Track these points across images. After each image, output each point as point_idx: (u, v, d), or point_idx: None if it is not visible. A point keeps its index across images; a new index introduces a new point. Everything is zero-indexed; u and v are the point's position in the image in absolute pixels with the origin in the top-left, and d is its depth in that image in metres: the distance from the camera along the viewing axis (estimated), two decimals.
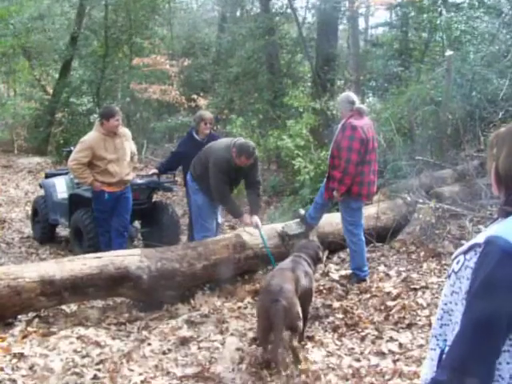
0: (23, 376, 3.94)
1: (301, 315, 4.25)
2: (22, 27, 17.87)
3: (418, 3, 12.41)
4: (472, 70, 10.00)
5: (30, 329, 4.76)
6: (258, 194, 6.48)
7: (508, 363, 1.66)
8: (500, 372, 1.66)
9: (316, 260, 4.93)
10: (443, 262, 6.01)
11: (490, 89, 9.95)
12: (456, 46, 11.72)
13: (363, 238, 5.94)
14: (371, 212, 6.93)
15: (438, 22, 11.68)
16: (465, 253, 1.75)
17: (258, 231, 6.12)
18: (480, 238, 1.71)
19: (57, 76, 20.07)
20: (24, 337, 4.58)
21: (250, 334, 4.76)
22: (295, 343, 4.28)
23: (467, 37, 12.17)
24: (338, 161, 5.71)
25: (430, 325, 4.55)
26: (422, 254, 6.37)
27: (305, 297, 4.51)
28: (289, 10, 14.89)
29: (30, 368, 4.07)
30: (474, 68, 10.13)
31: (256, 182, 6.38)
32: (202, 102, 13.98)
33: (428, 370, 1.83)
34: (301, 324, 4.28)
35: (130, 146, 6.88)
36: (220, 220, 6.97)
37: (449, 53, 9.26)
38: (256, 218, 6.15)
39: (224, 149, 6.05)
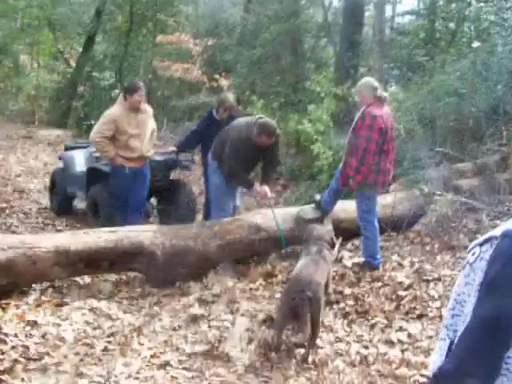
0: (36, 343, 4.00)
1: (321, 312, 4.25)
2: None
3: None
4: (499, 63, 9.85)
5: (43, 298, 4.83)
6: (274, 170, 6.47)
7: None
8: (508, 366, 1.66)
9: (332, 246, 4.98)
10: (457, 255, 5.98)
11: None
12: (484, 37, 11.54)
13: (377, 226, 5.91)
14: (388, 201, 6.90)
15: (467, 12, 11.50)
16: (481, 245, 1.74)
17: (272, 213, 6.12)
18: (497, 231, 1.70)
19: (80, 49, 20.14)
20: (38, 305, 4.65)
21: (261, 316, 4.79)
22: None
23: (496, 28, 11.97)
24: (356, 148, 5.66)
25: (440, 316, 4.54)
26: (437, 245, 6.34)
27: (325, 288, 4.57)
28: None
29: (43, 336, 4.13)
30: (501, 61, 9.97)
31: (274, 162, 6.36)
32: (223, 82, 13.95)
33: (437, 359, 1.84)
34: (319, 323, 4.23)
35: (151, 123, 6.89)
36: (238, 202, 6.97)
37: (476, 44, 9.14)
38: (266, 187, 6.16)
39: (244, 126, 6.03)
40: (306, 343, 4.16)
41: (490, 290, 1.64)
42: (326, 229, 5.08)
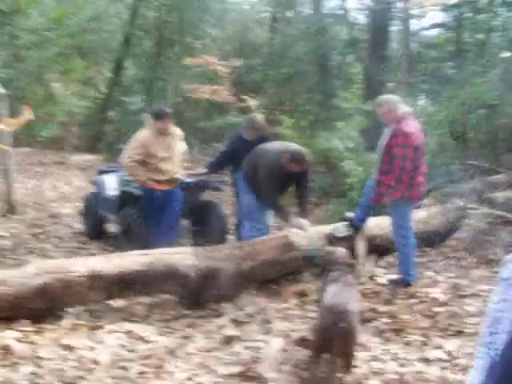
0: (71, 367, 4.02)
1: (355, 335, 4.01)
2: (78, 28, 18.31)
3: (474, 3, 12.14)
4: None
5: (78, 322, 4.86)
6: (307, 199, 6.46)
7: None
8: None
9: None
10: (494, 270, 5.87)
11: None
12: None
13: (413, 241, 5.84)
14: (421, 216, 6.82)
15: (495, 22, 11.39)
16: None
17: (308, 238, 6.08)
18: None
19: (109, 75, 20.49)
20: (73, 329, 4.68)
21: (295, 336, 4.75)
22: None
23: None
24: (389, 166, 5.61)
25: (478, 333, 4.44)
26: (473, 260, 6.24)
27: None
28: (340, 11, 14.80)
29: (78, 360, 4.15)
30: None
31: (306, 188, 6.35)
32: (251, 102, 14.02)
33: (475, 378, 1.80)
34: (353, 354, 4.05)
35: (181, 145, 6.95)
36: (271, 222, 6.95)
37: (505, 54, 9.03)
38: (303, 220, 6.13)
39: (276, 154, 6.04)
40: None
41: None
42: (341, 251, 4.85)
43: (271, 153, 6.12)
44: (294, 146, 6.13)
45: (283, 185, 6.15)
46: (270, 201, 6.10)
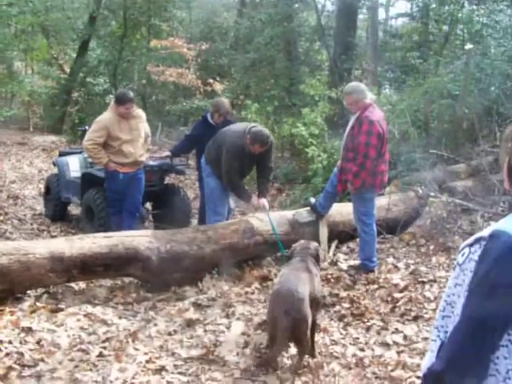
0: (30, 350, 3.99)
1: (309, 329, 4.01)
2: (42, 5, 17.88)
3: None
4: (492, 65, 9.89)
5: (38, 304, 4.81)
6: (268, 179, 6.53)
7: (505, 358, 1.66)
8: (497, 366, 1.66)
9: (318, 261, 4.63)
10: (452, 257, 5.99)
11: (510, 84, 9.84)
12: (477, 39, 11.59)
13: (375, 229, 5.92)
14: (382, 203, 6.90)
15: (460, 14, 11.55)
16: (470, 245, 1.74)
17: (268, 217, 6.14)
18: (486, 232, 1.70)
19: (74, 55, 20.14)
20: (32, 312, 4.63)
21: (256, 319, 4.79)
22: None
23: (489, 30, 12.03)
24: (353, 154, 5.65)
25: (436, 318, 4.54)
26: (432, 247, 6.36)
27: (316, 302, 4.27)
28: None
29: (38, 342, 4.11)
30: (493, 63, 10.01)
31: (268, 168, 6.40)
32: (218, 86, 13.98)
33: (428, 360, 1.84)
34: (307, 340, 4.04)
35: (144, 128, 6.90)
36: (232, 205, 6.99)
37: (469, 46, 9.17)
38: (264, 201, 6.24)
39: (238, 135, 6.05)
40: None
41: (478, 290, 1.64)
42: (312, 243, 4.72)
43: (234, 134, 6.13)
44: (256, 127, 6.13)
45: (245, 166, 6.18)
46: (231, 181, 6.12)
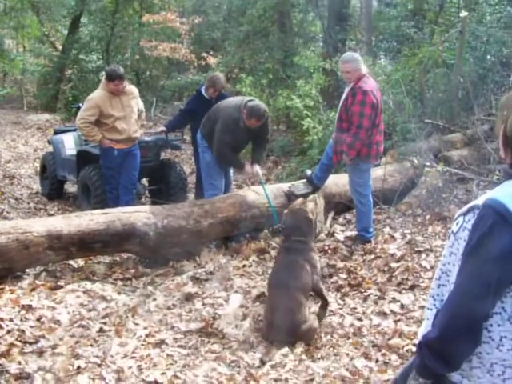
0: (31, 327, 4.02)
1: (309, 328, 4.08)
2: None
3: None
4: (487, 32, 9.83)
5: (37, 282, 4.84)
6: (264, 148, 6.57)
7: (499, 325, 1.69)
8: (491, 333, 1.69)
9: (310, 233, 4.50)
10: (448, 226, 6.01)
11: (506, 52, 9.78)
12: (472, 6, 11.48)
13: (371, 200, 5.94)
14: (378, 174, 6.92)
15: None
16: (464, 214, 1.76)
17: (263, 190, 6.15)
18: (479, 201, 1.72)
19: (66, 32, 19.92)
20: (32, 290, 4.66)
21: (254, 292, 4.83)
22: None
23: None
24: (347, 124, 5.64)
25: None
26: (428, 217, 6.38)
27: (316, 286, 4.34)
28: None
29: (38, 319, 4.15)
30: (489, 30, 9.95)
31: (264, 140, 6.41)
32: (212, 60, 13.87)
33: (424, 329, 1.87)
34: (310, 335, 4.10)
35: (137, 104, 6.87)
36: (232, 174, 6.98)
37: (464, 14, 9.09)
38: (257, 167, 6.23)
39: (234, 108, 6.02)
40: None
41: (471, 257, 1.66)
42: (302, 213, 4.53)
43: (229, 107, 6.10)
44: (252, 102, 6.08)
45: (240, 140, 6.14)
46: (220, 151, 6.09)
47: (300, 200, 4.94)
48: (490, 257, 1.62)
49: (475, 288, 1.63)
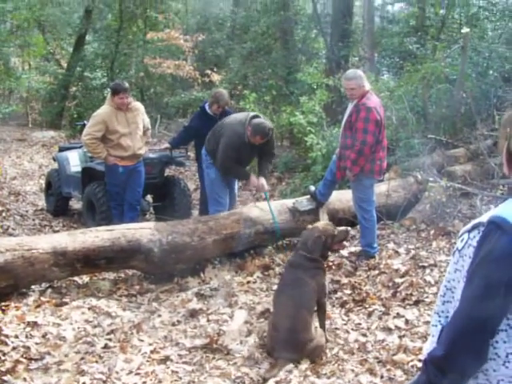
0: (36, 344, 4.03)
1: (316, 345, 4.07)
2: (37, 0, 17.84)
3: None
4: (489, 48, 9.89)
5: (43, 299, 4.85)
6: (270, 162, 6.65)
7: (505, 342, 1.69)
8: (497, 350, 1.69)
9: (313, 251, 4.38)
10: (453, 241, 6.02)
11: (508, 67, 9.83)
12: (473, 22, 11.56)
13: (375, 215, 5.95)
14: (382, 189, 6.93)
15: None
16: (469, 231, 1.77)
17: (268, 205, 6.17)
18: (484, 217, 1.73)
19: (71, 50, 20.10)
20: (37, 306, 4.67)
21: (259, 308, 4.83)
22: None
23: (485, 13, 12.00)
24: (351, 141, 5.67)
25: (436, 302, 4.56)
26: (432, 232, 6.39)
27: (321, 305, 4.33)
28: None
29: (43, 336, 4.16)
30: (491, 46, 10.01)
31: (270, 155, 6.45)
32: (215, 77, 13.97)
33: (429, 345, 1.87)
34: (316, 353, 4.09)
35: (142, 120, 6.92)
36: (236, 191, 7.01)
37: (465, 30, 9.15)
38: (262, 180, 6.24)
39: (238, 124, 6.04)
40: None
41: (476, 274, 1.67)
42: (316, 231, 4.46)
43: (234, 122, 6.12)
44: (257, 119, 6.09)
45: (244, 155, 6.16)
46: (224, 169, 6.13)
47: (324, 222, 4.95)
48: (496, 272, 1.62)
49: (481, 303, 1.64)
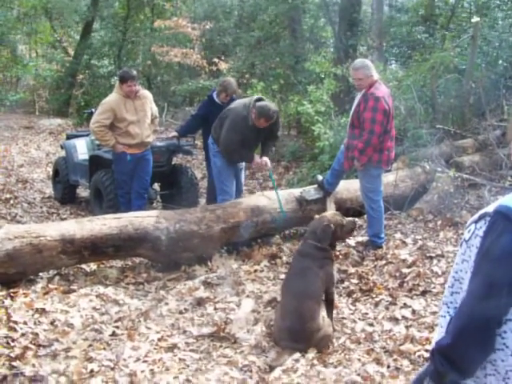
0: (45, 330, 4.06)
1: (324, 335, 4.07)
2: None
3: None
4: (499, 37, 9.81)
5: (51, 286, 4.88)
6: (274, 143, 6.71)
7: None
8: (505, 341, 1.69)
9: (323, 240, 4.37)
10: (460, 232, 6.01)
11: None
12: (484, 11, 11.46)
13: (382, 205, 5.94)
14: (390, 179, 6.92)
15: None
16: (475, 222, 1.77)
17: (275, 192, 6.19)
18: (490, 208, 1.72)
19: (78, 38, 20.08)
20: (45, 293, 4.70)
21: (266, 297, 4.84)
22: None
23: (496, 2, 11.89)
24: (359, 131, 5.66)
25: (443, 292, 4.56)
26: (439, 222, 6.37)
27: (329, 295, 4.34)
28: None
29: (52, 323, 4.18)
30: (501, 35, 9.93)
31: (275, 137, 6.48)
32: (223, 65, 13.91)
33: (438, 336, 1.87)
34: (324, 342, 4.08)
35: (151, 108, 6.91)
36: (243, 180, 7.01)
37: (475, 19, 9.07)
38: (266, 159, 6.24)
39: (242, 108, 6.02)
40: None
41: (482, 263, 1.67)
42: (324, 220, 4.46)
43: (238, 106, 6.11)
44: (261, 102, 6.05)
45: (249, 139, 6.11)
46: (227, 151, 6.11)
47: (332, 212, 4.95)
48: (502, 261, 1.62)
49: (488, 292, 1.64)
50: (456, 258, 1.86)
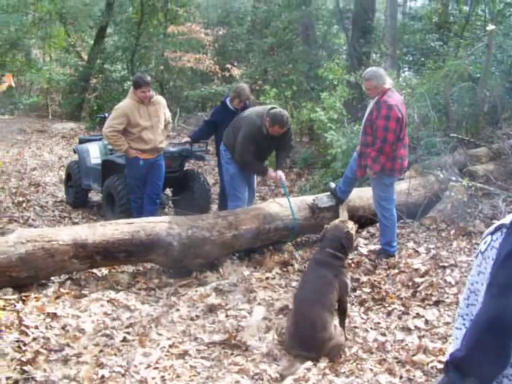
0: (56, 335, 4.06)
1: (336, 345, 4.03)
2: None
3: None
4: None
5: (62, 290, 4.88)
6: (288, 154, 6.68)
7: None
8: None
9: (348, 248, 4.43)
10: (473, 241, 5.96)
11: None
12: (498, 19, 11.40)
13: (395, 214, 5.91)
14: (402, 188, 6.88)
15: None
16: (492, 233, 1.75)
17: (287, 199, 6.17)
18: (507, 219, 1.70)
19: (91, 42, 20.20)
20: (57, 298, 4.70)
21: (278, 305, 4.82)
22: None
23: (511, 10, 11.83)
24: (372, 139, 5.64)
25: (457, 303, 4.52)
26: (453, 232, 6.33)
27: (343, 304, 4.32)
28: None
29: (63, 328, 4.18)
30: None
31: (288, 146, 6.47)
32: (235, 71, 13.94)
33: (453, 348, 1.84)
34: (336, 352, 4.05)
35: (164, 114, 6.92)
36: (255, 186, 7.00)
37: (490, 27, 9.01)
38: (280, 172, 6.25)
39: (256, 116, 6.05)
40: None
41: (498, 274, 1.64)
42: (341, 228, 4.45)
43: (252, 115, 6.13)
44: (274, 109, 6.09)
45: (263, 147, 6.15)
46: (242, 157, 6.11)
47: (341, 219, 4.93)
48: None
49: (504, 302, 1.61)
50: (472, 269, 1.84)
